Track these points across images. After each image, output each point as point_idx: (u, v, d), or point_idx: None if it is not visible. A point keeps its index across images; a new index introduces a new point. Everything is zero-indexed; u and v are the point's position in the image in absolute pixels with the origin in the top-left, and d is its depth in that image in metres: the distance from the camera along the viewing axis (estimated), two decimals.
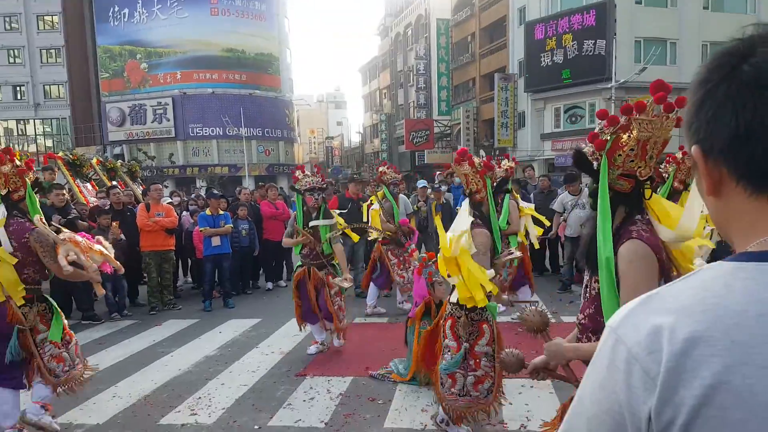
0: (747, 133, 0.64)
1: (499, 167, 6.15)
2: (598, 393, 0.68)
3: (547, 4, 23.62)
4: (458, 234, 3.10)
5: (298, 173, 5.25)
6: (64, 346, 3.59)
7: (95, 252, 3.71)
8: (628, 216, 1.83)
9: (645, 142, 1.76)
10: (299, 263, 5.28)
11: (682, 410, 0.59)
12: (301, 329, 5.45)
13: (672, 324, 0.62)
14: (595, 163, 1.89)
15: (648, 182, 1.82)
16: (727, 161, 0.67)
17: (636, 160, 1.77)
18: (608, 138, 1.83)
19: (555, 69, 22.34)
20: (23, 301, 3.39)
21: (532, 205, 6.79)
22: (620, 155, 1.79)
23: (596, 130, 1.92)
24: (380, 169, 7.23)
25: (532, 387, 4.27)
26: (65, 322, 3.67)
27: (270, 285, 8.77)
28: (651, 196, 1.83)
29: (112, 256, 3.88)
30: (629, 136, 1.77)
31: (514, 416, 3.76)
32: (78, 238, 3.66)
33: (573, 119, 23.37)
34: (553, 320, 6.17)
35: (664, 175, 5.32)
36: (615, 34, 20.44)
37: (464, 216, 3.25)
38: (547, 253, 9.02)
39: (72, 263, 3.37)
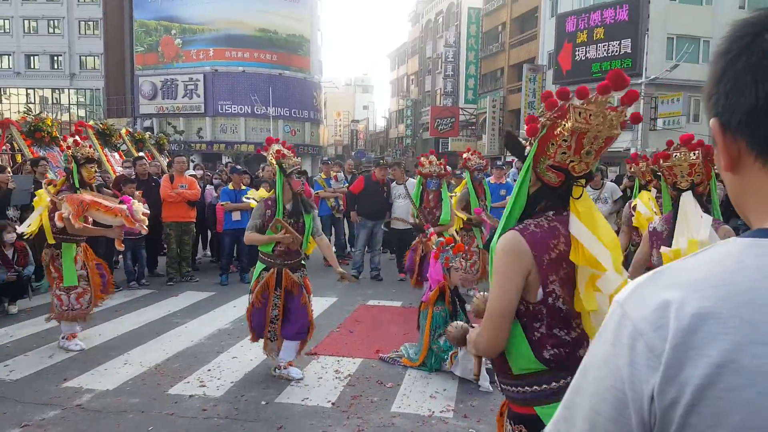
0: (766, 106, 0.62)
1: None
2: (602, 369, 0.65)
3: None
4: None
5: (275, 147, 4.07)
6: (65, 291, 4.59)
7: (107, 212, 4.38)
8: (541, 210, 1.61)
9: (581, 134, 1.53)
10: (263, 266, 4.08)
11: (687, 390, 0.56)
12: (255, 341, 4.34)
13: (680, 299, 0.59)
14: (528, 148, 1.66)
15: (582, 179, 1.60)
16: (745, 135, 0.65)
17: (569, 153, 1.54)
18: (545, 123, 1.60)
19: (585, 62, 21.82)
20: (53, 241, 4.60)
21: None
22: (553, 144, 1.56)
23: (536, 114, 1.69)
24: (464, 155, 6.70)
25: None
26: (76, 274, 4.63)
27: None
28: (581, 195, 1.60)
29: (140, 218, 4.31)
30: (564, 126, 1.55)
31: None
32: (81, 197, 4.37)
33: None
34: None
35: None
36: (647, 30, 19.86)
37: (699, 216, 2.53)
38: None
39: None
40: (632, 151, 18.82)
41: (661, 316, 0.60)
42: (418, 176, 6.35)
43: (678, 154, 2.84)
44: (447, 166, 6.44)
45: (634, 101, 1.58)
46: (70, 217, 4.26)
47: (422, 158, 6.43)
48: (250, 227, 4.05)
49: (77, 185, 4.60)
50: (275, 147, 4.08)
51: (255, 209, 4.16)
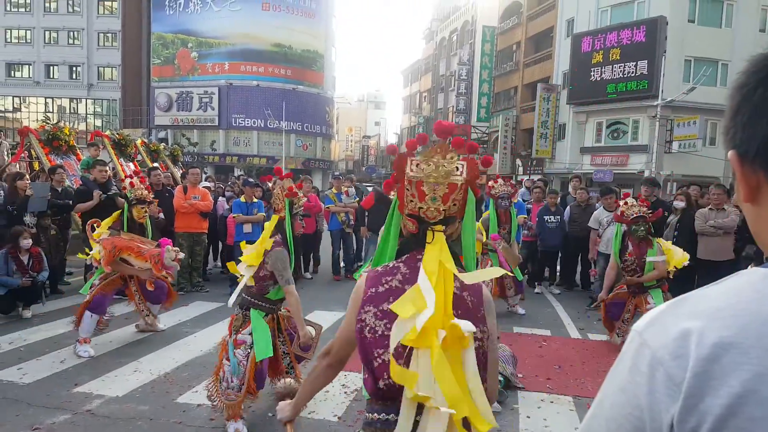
0: None
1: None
2: (619, 396, 0.66)
3: (597, 18, 23.15)
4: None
5: (288, 183, 3.80)
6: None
7: (138, 257, 4.78)
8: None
9: (418, 182, 1.61)
10: (261, 314, 3.64)
11: (707, 419, 0.56)
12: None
13: (701, 328, 0.60)
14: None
15: (440, 224, 1.62)
16: (763, 165, 0.66)
17: (415, 201, 1.62)
18: (396, 176, 1.68)
19: (600, 83, 21.86)
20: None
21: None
22: (407, 195, 1.64)
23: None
24: (489, 183, 6.77)
25: (552, 402, 4.16)
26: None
27: (308, 275, 8.85)
28: (434, 239, 1.62)
29: (170, 265, 4.73)
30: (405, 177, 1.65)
31: (531, 430, 3.67)
32: (115, 241, 4.78)
33: (615, 135, 22.81)
34: (579, 337, 6.00)
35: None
36: (665, 52, 19.85)
37: None
38: (579, 268, 8.81)
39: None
40: (646, 173, 18.75)
41: (682, 345, 0.60)
42: (491, 199, 6.62)
43: None
44: (513, 185, 6.86)
45: (461, 147, 1.67)
46: (102, 259, 4.72)
47: (491, 182, 6.73)
48: (292, 281, 3.60)
49: (125, 226, 5.05)
50: (287, 183, 3.77)
51: (283, 260, 3.56)
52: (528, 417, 3.87)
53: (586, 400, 4.20)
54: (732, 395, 0.56)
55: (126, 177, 5.27)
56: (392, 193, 1.70)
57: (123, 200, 7.21)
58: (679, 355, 0.60)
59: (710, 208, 6.75)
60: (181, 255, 4.98)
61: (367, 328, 1.59)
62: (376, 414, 1.60)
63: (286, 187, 3.82)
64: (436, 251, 1.60)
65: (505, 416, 3.86)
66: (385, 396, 1.57)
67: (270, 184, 10.39)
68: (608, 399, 0.68)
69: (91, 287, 4.90)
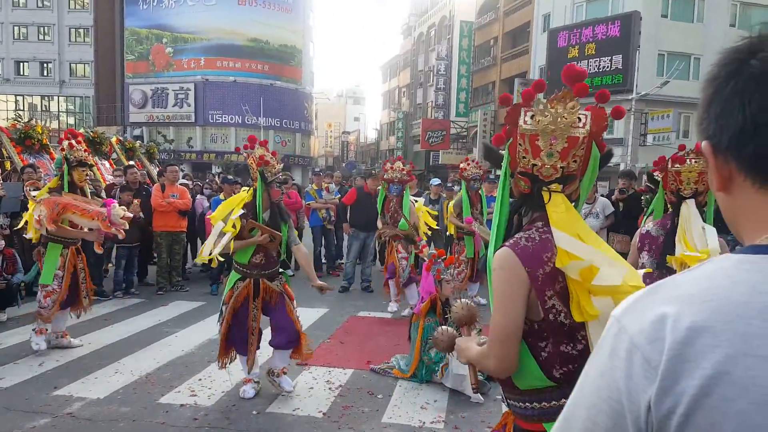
0: (754, 127, 0.65)
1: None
2: (598, 381, 0.67)
3: (573, 13, 23.43)
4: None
5: (259, 151, 3.90)
6: (40, 288, 4.71)
7: (83, 215, 4.58)
8: (532, 221, 1.56)
9: (532, 136, 1.48)
10: (237, 275, 3.95)
11: (683, 400, 0.59)
12: (224, 366, 4.11)
13: (676, 313, 0.62)
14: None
15: (556, 183, 1.51)
16: (735, 156, 0.68)
17: (528, 157, 1.49)
18: (508, 130, 1.55)
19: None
20: (36, 239, 4.73)
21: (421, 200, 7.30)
22: (519, 151, 1.52)
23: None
24: (461, 164, 6.81)
25: None
26: (52, 274, 4.68)
27: (290, 272, 8.80)
28: (550, 199, 1.51)
29: (118, 222, 4.57)
30: (518, 130, 1.52)
31: None
32: (57, 199, 4.53)
33: None
34: None
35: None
36: (638, 46, 20.22)
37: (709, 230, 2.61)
38: None
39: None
40: (621, 166, 19.07)
41: (658, 329, 0.62)
42: (382, 182, 6.46)
43: (692, 160, 2.81)
44: (411, 173, 6.60)
45: (586, 94, 1.53)
46: (43, 219, 4.39)
47: (387, 164, 6.52)
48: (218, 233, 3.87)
49: (66, 188, 4.69)
50: (259, 151, 3.90)
51: (225, 216, 3.86)
52: None
53: None
54: (705, 377, 0.58)
55: (63, 139, 4.93)
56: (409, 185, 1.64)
57: (99, 200, 7.11)
58: (655, 339, 0.62)
59: None
60: (129, 214, 4.88)
61: (562, 314, 1.46)
62: (554, 401, 1.48)
63: (258, 155, 3.84)
64: (562, 213, 1.48)
65: (488, 407, 3.91)
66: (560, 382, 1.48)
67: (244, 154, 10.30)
68: (588, 385, 0.69)
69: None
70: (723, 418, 0.57)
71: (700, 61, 21.62)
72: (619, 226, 7.46)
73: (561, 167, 1.47)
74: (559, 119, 1.47)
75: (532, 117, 1.48)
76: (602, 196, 8.07)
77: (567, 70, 1.54)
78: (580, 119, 1.46)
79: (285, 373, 4.10)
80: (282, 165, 4.07)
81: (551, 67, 23.33)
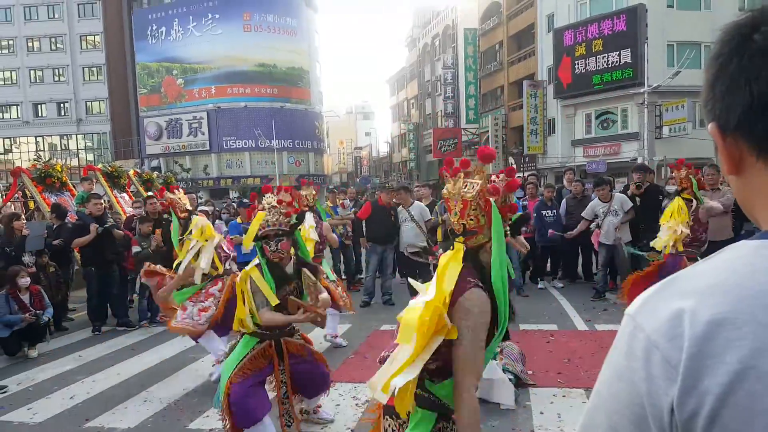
0: (762, 104, 0.61)
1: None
2: (617, 384, 0.64)
3: (576, 11, 23.37)
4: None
5: (271, 199, 3.37)
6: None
7: None
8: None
9: (447, 199, 1.94)
10: (255, 340, 3.29)
11: (708, 399, 0.55)
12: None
13: (693, 307, 0.58)
14: None
15: (461, 236, 1.89)
16: (744, 135, 0.64)
17: (449, 215, 1.96)
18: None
19: (585, 75, 22.02)
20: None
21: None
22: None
23: None
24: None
25: (564, 396, 4.15)
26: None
27: None
28: (453, 248, 1.92)
29: None
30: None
31: (545, 426, 3.65)
32: None
33: (605, 125, 22.94)
34: (586, 329, 5.99)
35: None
36: (647, 39, 20.02)
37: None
38: (580, 259, 8.82)
39: None
40: (639, 160, 18.82)
41: (675, 325, 0.58)
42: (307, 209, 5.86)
43: None
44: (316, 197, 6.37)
45: (487, 162, 1.98)
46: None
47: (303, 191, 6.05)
48: (263, 304, 3.17)
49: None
50: (270, 199, 3.33)
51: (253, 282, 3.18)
52: (541, 413, 3.86)
53: None
54: (730, 372, 0.54)
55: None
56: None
57: (120, 232, 7.25)
58: (673, 336, 0.58)
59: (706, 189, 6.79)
60: None
61: None
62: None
63: (274, 203, 3.30)
64: (449, 256, 1.87)
65: (518, 414, 3.84)
66: None
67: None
68: (606, 388, 0.66)
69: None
70: (752, 415, 0.53)
71: (711, 49, 21.34)
72: (640, 220, 7.35)
73: (462, 223, 1.83)
74: (456, 184, 1.88)
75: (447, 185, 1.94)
76: (619, 192, 7.96)
77: (479, 151, 2.01)
78: (467, 185, 1.85)
79: (320, 407, 3.92)
80: (277, 215, 3.25)
81: (559, 67, 23.27)
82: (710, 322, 0.56)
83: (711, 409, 0.55)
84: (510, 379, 4.11)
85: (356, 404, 4.18)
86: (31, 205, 9.02)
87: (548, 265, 8.85)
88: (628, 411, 0.61)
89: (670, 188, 7.37)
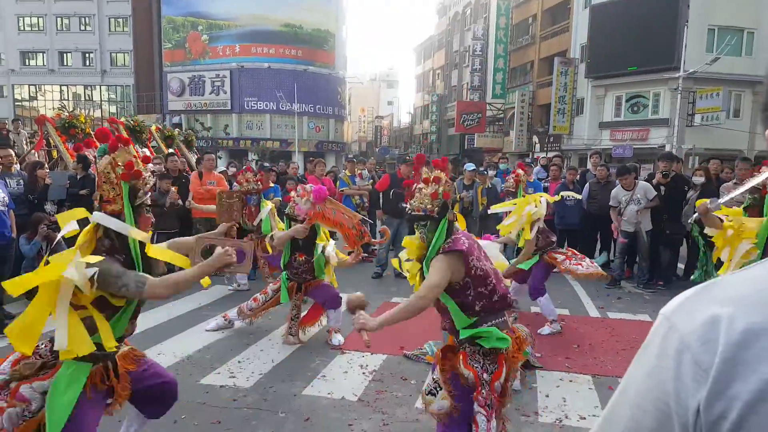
0: None
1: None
2: (645, 382, 0.65)
3: None
4: None
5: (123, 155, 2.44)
6: None
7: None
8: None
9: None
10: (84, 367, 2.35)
11: (736, 405, 0.56)
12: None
13: (730, 315, 0.59)
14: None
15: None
16: None
17: None
18: None
19: (620, 55, 21.31)
20: None
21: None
22: None
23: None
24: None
25: (571, 381, 4.16)
26: None
27: None
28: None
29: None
30: None
31: (550, 410, 3.67)
32: None
33: (635, 109, 22.32)
34: (598, 316, 5.94)
35: None
36: (687, 21, 19.21)
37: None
38: (598, 246, 8.72)
39: None
40: (667, 148, 18.35)
41: (711, 330, 0.59)
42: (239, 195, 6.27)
43: None
44: (263, 180, 6.60)
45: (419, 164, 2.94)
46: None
47: (240, 176, 6.40)
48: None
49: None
50: (124, 155, 2.43)
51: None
52: (547, 396, 3.88)
53: (605, 379, 4.19)
54: (762, 381, 0.55)
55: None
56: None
57: None
58: (707, 341, 0.59)
59: (735, 183, 6.62)
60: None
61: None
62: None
63: (123, 162, 2.38)
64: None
65: (524, 395, 3.86)
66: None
67: (286, 168, 10.37)
68: (634, 384, 0.67)
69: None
70: None
71: (754, 36, 20.43)
72: (663, 210, 7.20)
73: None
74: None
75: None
76: (644, 180, 7.77)
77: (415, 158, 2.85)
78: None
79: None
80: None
81: (593, 44, 22.56)
82: (746, 331, 0.57)
83: (739, 414, 0.56)
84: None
85: (363, 372, 4.25)
86: (54, 154, 9.10)
87: (565, 248, 8.76)
88: (652, 408, 0.63)
89: (697, 179, 7.17)
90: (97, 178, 2.40)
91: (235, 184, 6.80)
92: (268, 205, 6.38)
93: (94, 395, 2.29)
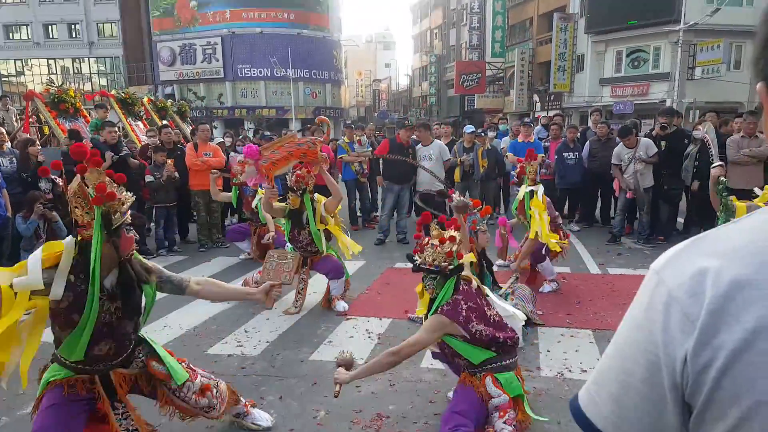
0: None
1: None
2: (635, 334, 0.67)
3: None
4: None
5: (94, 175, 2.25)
6: None
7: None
8: None
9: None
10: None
11: (721, 354, 0.58)
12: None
13: (718, 267, 0.61)
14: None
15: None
16: None
17: None
18: None
19: (619, 9, 20.78)
20: None
21: None
22: None
23: None
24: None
25: (572, 336, 4.22)
26: None
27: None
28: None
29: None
30: None
31: (552, 364, 3.73)
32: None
33: (636, 63, 21.93)
34: (598, 272, 5.99)
35: None
36: None
37: None
38: (599, 203, 8.72)
39: None
40: (667, 102, 18.13)
41: (698, 282, 0.61)
42: (234, 187, 6.57)
43: None
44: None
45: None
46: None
47: (236, 166, 6.51)
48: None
49: None
50: (97, 176, 2.23)
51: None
52: (548, 351, 3.95)
53: (605, 332, 4.25)
54: (746, 330, 0.57)
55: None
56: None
57: (135, 161, 7.26)
58: (695, 293, 0.61)
59: (742, 136, 6.57)
60: None
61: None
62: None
63: (93, 184, 2.19)
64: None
65: (525, 352, 3.92)
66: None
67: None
68: (624, 337, 0.69)
69: None
70: (761, 371, 0.56)
71: None
72: (663, 165, 7.15)
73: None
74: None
75: None
76: (644, 136, 7.68)
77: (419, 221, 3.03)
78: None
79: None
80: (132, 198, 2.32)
81: None
82: (733, 282, 0.59)
83: (724, 362, 0.58)
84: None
85: (369, 337, 4.31)
86: (46, 130, 9.01)
87: (566, 207, 8.76)
88: (642, 359, 0.65)
89: (697, 133, 7.09)
90: (69, 203, 2.21)
91: (235, 166, 6.77)
92: (260, 194, 6.39)
93: (71, 396, 2.28)
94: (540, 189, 5.06)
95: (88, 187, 2.17)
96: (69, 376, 2.30)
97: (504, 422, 2.61)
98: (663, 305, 0.63)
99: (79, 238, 2.19)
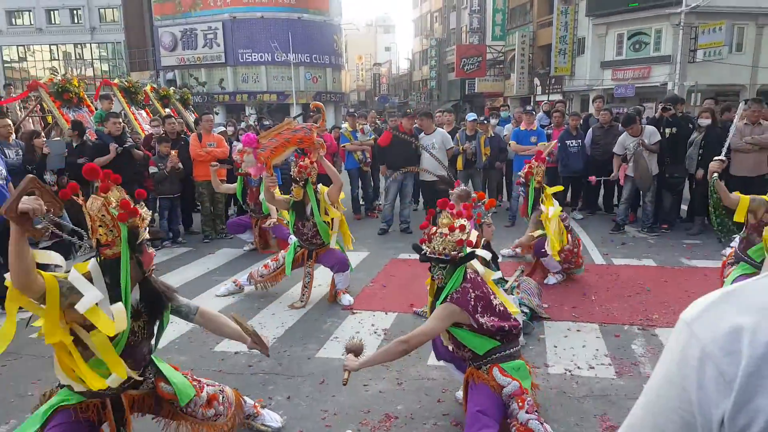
0: None
1: None
2: (666, 388, 0.65)
3: None
4: None
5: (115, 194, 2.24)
6: None
7: None
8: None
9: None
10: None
11: (759, 419, 0.56)
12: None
13: (754, 325, 0.58)
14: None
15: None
16: None
17: None
18: None
19: None
20: None
21: None
22: None
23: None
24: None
25: (578, 331, 4.23)
26: None
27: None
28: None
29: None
30: None
31: (558, 360, 3.75)
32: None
33: (637, 46, 21.67)
34: (603, 263, 5.98)
35: None
36: None
37: None
38: (602, 191, 8.69)
39: None
40: (669, 85, 17.95)
41: (734, 340, 0.59)
42: (239, 177, 6.60)
43: None
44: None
45: None
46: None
47: (236, 156, 6.64)
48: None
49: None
50: (118, 194, 2.23)
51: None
52: (555, 346, 3.95)
53: (611, 326, 4.26)
54: None
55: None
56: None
57: (139, 152, 7.24)
58: (730, 352, 0.59)
59: (746, 123, 6.51)
60: None
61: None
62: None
63: (117, 201, 2.18)
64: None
65: (532, 347, 3.94)
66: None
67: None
68: (656, 391, 0.67)
69: None
70: None
71: None
72: (667, 152, 7.11)
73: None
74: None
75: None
76: (648, 124, 7.62)
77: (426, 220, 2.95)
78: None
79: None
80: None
81: None
82: None
83: (762, 427, 0.56)
84: (525, 313, 4.18)
85: (375, 332, 4.32)
86: (50, 119, 8.96)
87: (568, 195, 8.73)
88: (676, 416, 0.63)
89: (703, 121, 7.03)
90: (89, 222, 2.16)
91: (236, 156, 6.77)
92: None
93: (78, 419, 2.28)
94: (557, 209, 5.07)
95: (111, 204, 2.15)
96: (81, 402, 2.30)
97: (526, 412, 2.58)
98: (697, 361, 0.61)
99: (102, 258, 2.18)
